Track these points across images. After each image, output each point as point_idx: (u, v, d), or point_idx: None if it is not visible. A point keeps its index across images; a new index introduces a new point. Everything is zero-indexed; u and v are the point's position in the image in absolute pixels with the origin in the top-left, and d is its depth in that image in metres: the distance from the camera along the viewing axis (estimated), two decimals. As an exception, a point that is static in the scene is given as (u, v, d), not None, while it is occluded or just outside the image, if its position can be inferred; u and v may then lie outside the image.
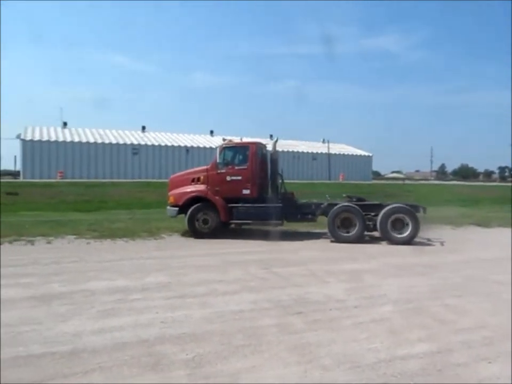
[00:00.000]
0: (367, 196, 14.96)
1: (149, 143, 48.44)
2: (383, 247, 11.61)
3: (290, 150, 53.75)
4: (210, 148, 47.92)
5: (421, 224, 11.83)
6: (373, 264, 9.25)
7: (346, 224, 12.03)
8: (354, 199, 12.94)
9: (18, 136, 44.28)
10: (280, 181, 13.31)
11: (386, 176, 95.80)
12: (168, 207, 12.97)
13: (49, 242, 11.12)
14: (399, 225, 11.79)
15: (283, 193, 13.13)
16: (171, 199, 12.93)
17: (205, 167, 13.18)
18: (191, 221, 12.51)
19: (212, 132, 56.53)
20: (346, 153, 60.90)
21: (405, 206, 12.06)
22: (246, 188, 12.53)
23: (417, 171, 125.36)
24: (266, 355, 4.49)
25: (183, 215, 12.86)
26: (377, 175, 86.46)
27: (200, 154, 47.79)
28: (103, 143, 46.06)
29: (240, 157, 12.89)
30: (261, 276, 7.96)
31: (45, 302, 6.12)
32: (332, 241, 12.08)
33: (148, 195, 25.19)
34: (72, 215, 17.08)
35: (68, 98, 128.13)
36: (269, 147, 13.88)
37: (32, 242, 11.01)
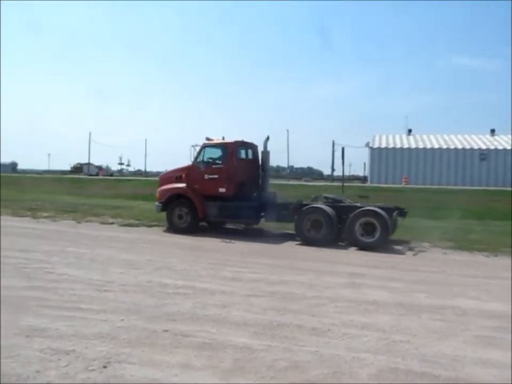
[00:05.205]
0: None
1: (500, 147, 43.66)
2: None
3: None
4: None
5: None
6: None
7: (317, 226, 11.41)
8: (330, 200, 12.27)
9: (367, 144, 48.07)
10: (264, 180, 13.14)
11: None
12: (156, 203, 13.42)
13: (405, 248, 11.08)
14: (369, 229, 10.97)
15: (263, 193, 12.89)
16: (157, 196, 13.47)
17: (187, 166, 13.22)
18: (169, 216, 13.00)
19: None
20: None
21: (374, 208, 11.22)
22: (222, 187, 12.57)
23: None
24: None
25: None
26: None
27: None
28: (447, 149, 44.47)
29: (219, 156, 13.03)
30: None
31: (413, 312, 5.83)
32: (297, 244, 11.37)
33: (501, 205, 22.46)
34: (422, 222, 16.77)
35: (413, 106, 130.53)
36: None
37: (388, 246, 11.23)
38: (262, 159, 13.40)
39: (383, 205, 11.82)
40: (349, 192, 25.98)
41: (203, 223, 13.55)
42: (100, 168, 73.80)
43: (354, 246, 11.11)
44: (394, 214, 11.45)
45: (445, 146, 44.80)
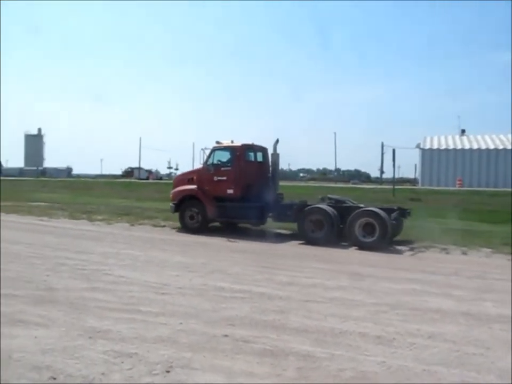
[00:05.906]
0: None
1: None
2: None
3: None
4: None
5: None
6: None
7: (319, 226, 11.65)
8: (333, 201, 12.46)
9: (418, 146, 46.65)
10: (273, 182, 13.56)
11: None
12: (170, 204, 13.86)
13: (464, 253, 10.54)
14: (369, 229, 11.07)
15: (270, 194, 13.01)
16: (171, 197, 14.00)
17: (198, 169, 13.88)
18: (181, 216, 13.50)
19: None
20: None
21: (373, 209, 11.37)
22: (230, 188, 12.94)
23: None
24: None
25: None
26: None
27: None
28: (504, 149, 42.37)
29: (227, 158, 13.34)
30: None
31: (483, 322, 5.48)
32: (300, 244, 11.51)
33: None
34: (479, 226, 15.98)
35: (466, 105, 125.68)
36: None
37: (446, 251, 10.73)
38: (271, 162, 13.76)
39: (383, 206, 12.18)
40: (400, 194, 25.35)
41: (216, 224, 13.97)
42: (149, 172, 75.61)
43: (354, 245, 11.16)
44: (394, 214, 11.35)
45: (501, 147, 42.72)
